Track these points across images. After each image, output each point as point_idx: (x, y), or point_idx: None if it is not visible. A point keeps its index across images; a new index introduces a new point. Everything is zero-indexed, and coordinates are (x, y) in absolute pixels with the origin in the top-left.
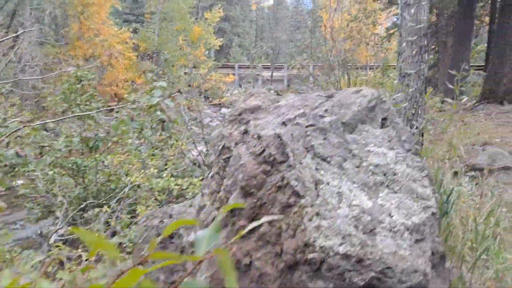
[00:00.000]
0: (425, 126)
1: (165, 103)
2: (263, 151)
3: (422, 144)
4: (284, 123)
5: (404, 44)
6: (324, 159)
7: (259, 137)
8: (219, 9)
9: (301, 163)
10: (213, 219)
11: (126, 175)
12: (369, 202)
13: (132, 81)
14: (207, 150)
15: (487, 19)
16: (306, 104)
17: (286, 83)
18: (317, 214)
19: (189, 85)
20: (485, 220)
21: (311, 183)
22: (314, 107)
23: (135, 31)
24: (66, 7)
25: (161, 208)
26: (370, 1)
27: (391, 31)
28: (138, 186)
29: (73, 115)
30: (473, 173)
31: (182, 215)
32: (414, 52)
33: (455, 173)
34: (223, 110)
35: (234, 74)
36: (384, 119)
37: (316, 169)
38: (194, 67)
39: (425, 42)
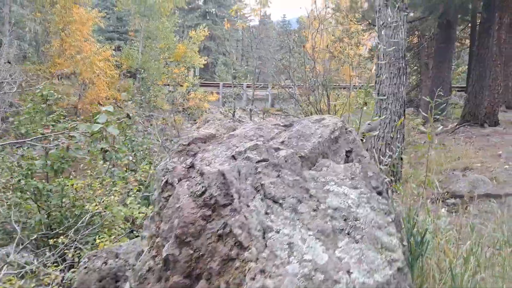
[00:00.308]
0: (404, 150)
1: (109, 130)
2: (204, 191)
3: (401, 169)
4: (233, 157)
5: (382, 66)
6: (275, 201)
7: (201, 174)
8: (203, 28)
9: (248, 206)
10: (149, 269)
11: (88, 201)
12: (325, 255)
13: (114, 99)
14: None
15: (468, 41)
16: (261, 135)
17: (270, 102)
18: (262, 271)
19: (172, 103)
20: (464, 260)
21: (258, 231)
22: (270, 138)
23: (118, 48)
24: (47, 24)
25: (106, 247)
26: (352, 22)
27: (373, 52)
28: (100, 214)
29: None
30: (453, 200)
31: (129, 255)
32: (392, 74)
33: (435, 200)
34: None
35: (218, 93)
36: (349, 151)
37: (266, 213)
38: (178, 85)
39: (403, 64)
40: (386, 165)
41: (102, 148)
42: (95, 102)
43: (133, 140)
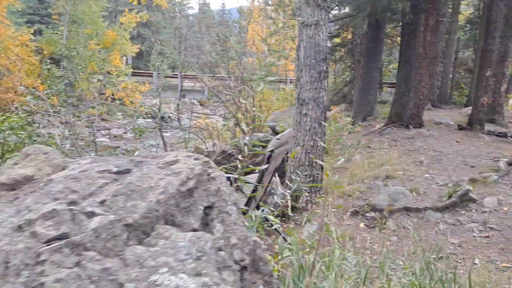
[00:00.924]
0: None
1: None
2: None
3: (321, 179)
4: (20, 228)
5: (302, 68)
6: None
7: None
8: (135, 14)
9: None
10: None
11: None
12: None
13: (34, 88)
14: None
15: (399, 39)
16: (74, 190)
17: (206, 94)
18: None
19: (102, 93)
20: None
21: None
22: (87, 194)
23: (40, 33)
24: None
25: None
26: (282, 18)
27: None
28: None
29: None
30: (372, 214)
31: None
32: (312, 78)
33: (355, 213)
34: (140, 121)
35: (152, 83)
36: (209, 207)
37: None
38: (107, 74)
39: (324, 67)
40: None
41: None
42: (11, 91)
43: None
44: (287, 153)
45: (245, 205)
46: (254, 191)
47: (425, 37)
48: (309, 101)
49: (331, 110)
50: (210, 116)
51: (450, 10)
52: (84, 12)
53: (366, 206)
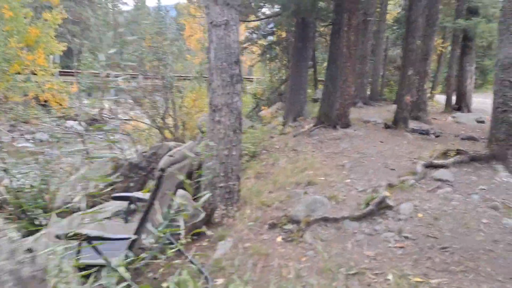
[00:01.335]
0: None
1: None
2: None
3: (239, 190)
4: None
5: (213, 72)
6: None
7: None
8: (61, 10)
9: None
10: None
11: None
12: None
13: None
14: None
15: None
16: None
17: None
18: None
19: (26, 95)
20: None
21: None
22: None
23: None
24: None
25: None
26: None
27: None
28: None
29: None
30: (291, 226)
31: None
32: (224, 82)
33: (273, 225)
34: (70, 122)
35: (80, 83)
36: None
37: None
38: (31, 74)
39: (237, 70)
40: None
41: None
42: None
43: None
44: (199, 166)
45: (136, 231)
46: (145, 215)
47: (349, 37)
48: (222, 107)
49: (262, 110)
50: (138, 119)
51: (378, 10)
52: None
53: (284, 217)
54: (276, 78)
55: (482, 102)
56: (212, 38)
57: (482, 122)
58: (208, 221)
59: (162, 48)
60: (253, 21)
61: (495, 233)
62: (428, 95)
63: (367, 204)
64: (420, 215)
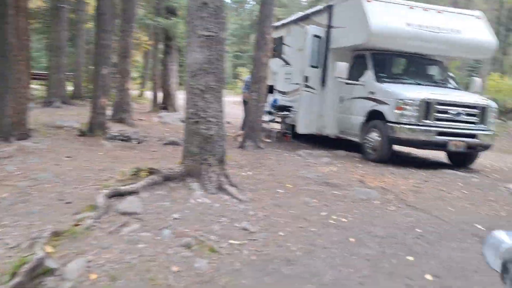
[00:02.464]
0: None
1: None
2: None
3: None
4: None
5: None
6: None
7: None
8: None
9: None
10: None
11: None
12: None
13: None
14: None
15: None
16: None
17: None
18: None
19: None
20: None
21: None
22: None
23: None
24: None
25: None
26: None
27: None
28: None
29: None
30: None
31: None
32: None
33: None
34: None
35: None
36: None
37: None
38: None
39: None
40: None
41: None
42: None
43: None
44: None
45: None
46: None
47: (17, 23)
48: None
49: None
50: None
51: None
52: None
53: None
54: None
55: None
56: None
57: None
58: None
59: None
60: None
61: (187, 285)
62: (138, 92)
63: (14, 274)
64: (93, 276)
